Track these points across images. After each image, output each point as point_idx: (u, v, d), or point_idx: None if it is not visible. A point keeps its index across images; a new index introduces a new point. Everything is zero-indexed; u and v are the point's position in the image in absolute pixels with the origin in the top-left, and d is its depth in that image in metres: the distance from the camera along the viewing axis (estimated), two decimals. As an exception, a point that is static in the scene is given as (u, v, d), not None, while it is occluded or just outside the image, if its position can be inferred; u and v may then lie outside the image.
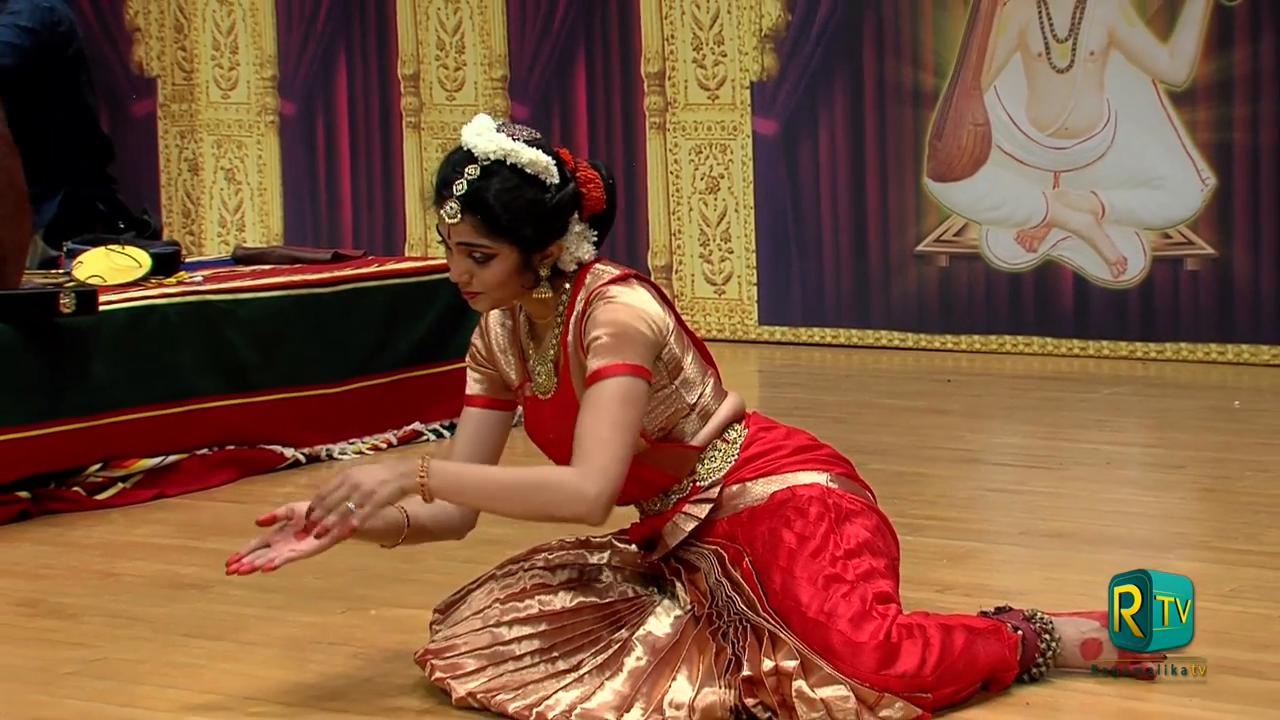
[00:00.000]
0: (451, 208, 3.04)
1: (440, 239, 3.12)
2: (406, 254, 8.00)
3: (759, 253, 7.51)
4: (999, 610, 3.22)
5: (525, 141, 3.06)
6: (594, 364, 3.04)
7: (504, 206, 3.03)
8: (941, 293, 7.18)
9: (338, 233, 8.39)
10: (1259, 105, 6.63)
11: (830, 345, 7.36)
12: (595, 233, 3.14)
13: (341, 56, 8.35)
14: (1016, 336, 7.07)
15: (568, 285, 3.13)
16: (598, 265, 3.14)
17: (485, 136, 3.05)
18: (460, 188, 3.04)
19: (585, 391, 3.06)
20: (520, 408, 3.28)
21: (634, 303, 3.08)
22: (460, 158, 3.07)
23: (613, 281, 3.10)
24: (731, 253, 7.56)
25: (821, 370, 7.02)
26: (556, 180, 3.07)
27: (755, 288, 7.52)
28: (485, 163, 3.04)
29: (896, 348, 7.24)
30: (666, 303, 3.15)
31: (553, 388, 3.18)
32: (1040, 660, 3.16)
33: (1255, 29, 6.63)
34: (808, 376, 6.91)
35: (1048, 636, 3.17)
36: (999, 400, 6.33)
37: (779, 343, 7.48)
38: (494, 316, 3.27)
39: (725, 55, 7.50)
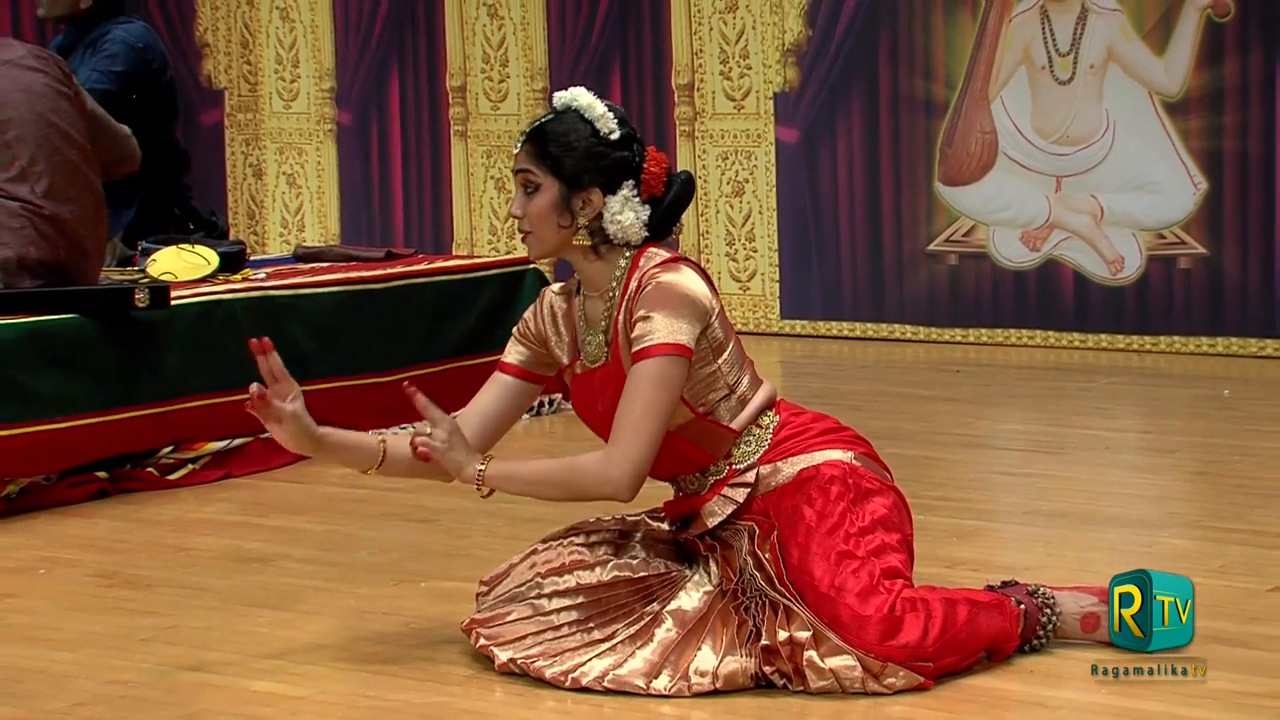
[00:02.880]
0: (520, 139, 3.19)
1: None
2: (454, 252, 8.01)
3: (781, 252, 7.50)
4: (1004, 584, 3.22)
5: (599, 99, 3.19)
6: (639, 344, 3.08)
7: (554, 137, 3.15)
8: (951, 289, 7.17)
9: (390, 233, 8.41)
10: (1248, 114, 6.60)
11: (847, 338, 7.35)
12: (648, 210, 3.16)
13: (394, 70, 8.36)
14: (1020, 330, 7.05)
15: (622, 262, 3.16)
16: (651, 249, 3.17)
17: (566, 91, 3.20)
18: (531, 126, 3.19)
19: (630, 368, 3.08)
20: (558, 386, 3.30)
21: (681, 281, 3.11)
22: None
23: (662, 264, 3.13)
24: (755, 252, 7.56)
25: (839, 361, 7.01)
26: (615, 134, 3.15)
27: (777, 284, 7.52)
28: (559, 109, 3.19)
29: (909, 340, 7.23)
30: (711, 287, 3.17)
31: (603, 357, 3.19)
32: (1041, 633, 3.15)
33: (1244, 43, 6.60)
34: (826, 367, 6.91)
35: (1049, 611, 3.16)
36: (1004, 389, 6.31)
37: (799, 335, 7.47)
38: (552, 297, 3.29)
39: (750, 68, 7.49)
